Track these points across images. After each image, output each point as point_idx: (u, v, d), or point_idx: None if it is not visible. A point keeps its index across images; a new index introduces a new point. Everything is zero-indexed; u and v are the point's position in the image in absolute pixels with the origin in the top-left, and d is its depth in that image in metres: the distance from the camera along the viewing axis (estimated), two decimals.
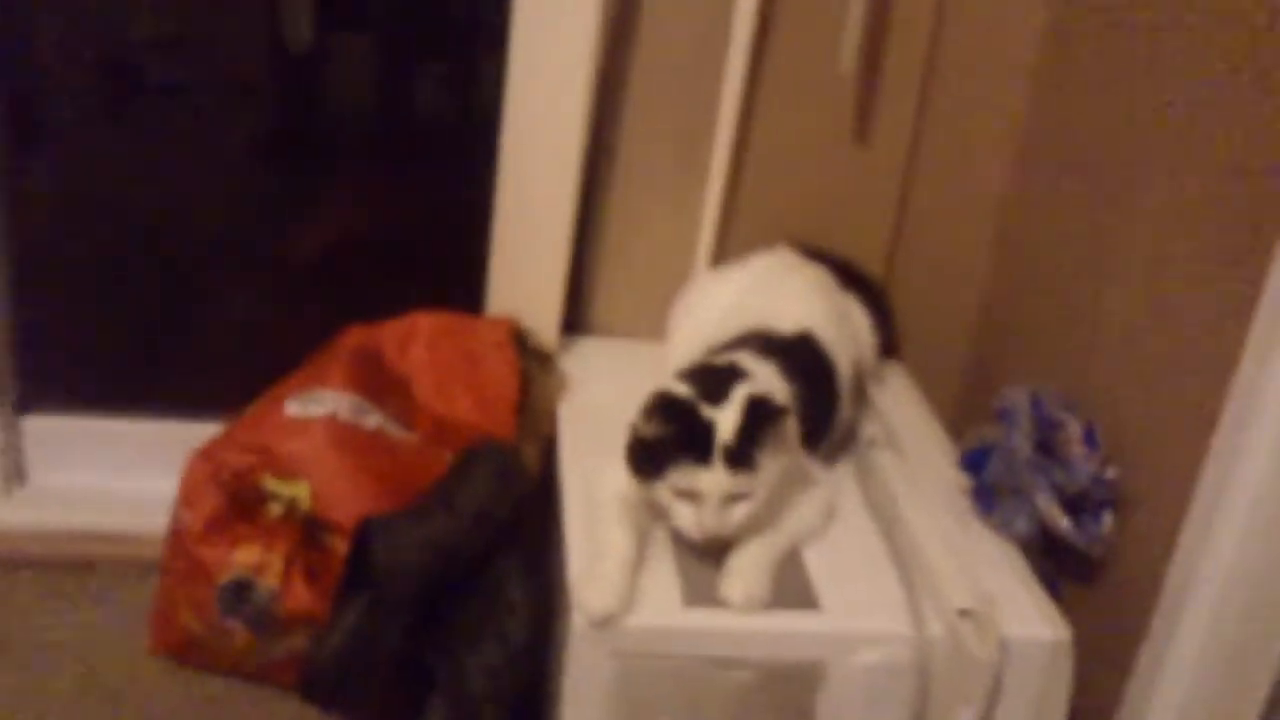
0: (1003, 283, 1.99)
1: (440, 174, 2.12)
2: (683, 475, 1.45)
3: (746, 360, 1.58)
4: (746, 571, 1.48)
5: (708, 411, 1.45)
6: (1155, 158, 1.61)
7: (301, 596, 1.70)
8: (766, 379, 1.55)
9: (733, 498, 1.46)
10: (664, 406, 1.46)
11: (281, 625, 1.71)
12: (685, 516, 1.47)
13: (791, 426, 1.50)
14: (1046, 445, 1.63)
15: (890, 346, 2.02)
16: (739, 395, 1.47)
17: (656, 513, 1.53)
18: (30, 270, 2.01)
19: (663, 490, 1.47)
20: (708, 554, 1.50)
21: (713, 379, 1.52)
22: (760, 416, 1.46)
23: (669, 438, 1.45)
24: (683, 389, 1.49)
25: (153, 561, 1.80)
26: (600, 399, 1.83)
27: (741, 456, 1.44)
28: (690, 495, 1.45)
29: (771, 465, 1.47)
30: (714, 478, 1.44)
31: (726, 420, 1.45)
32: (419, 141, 2.14)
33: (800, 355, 1.65)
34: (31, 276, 2.02)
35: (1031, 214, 1.91)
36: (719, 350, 1.65)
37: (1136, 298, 1.63)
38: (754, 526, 1.49)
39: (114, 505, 2.00)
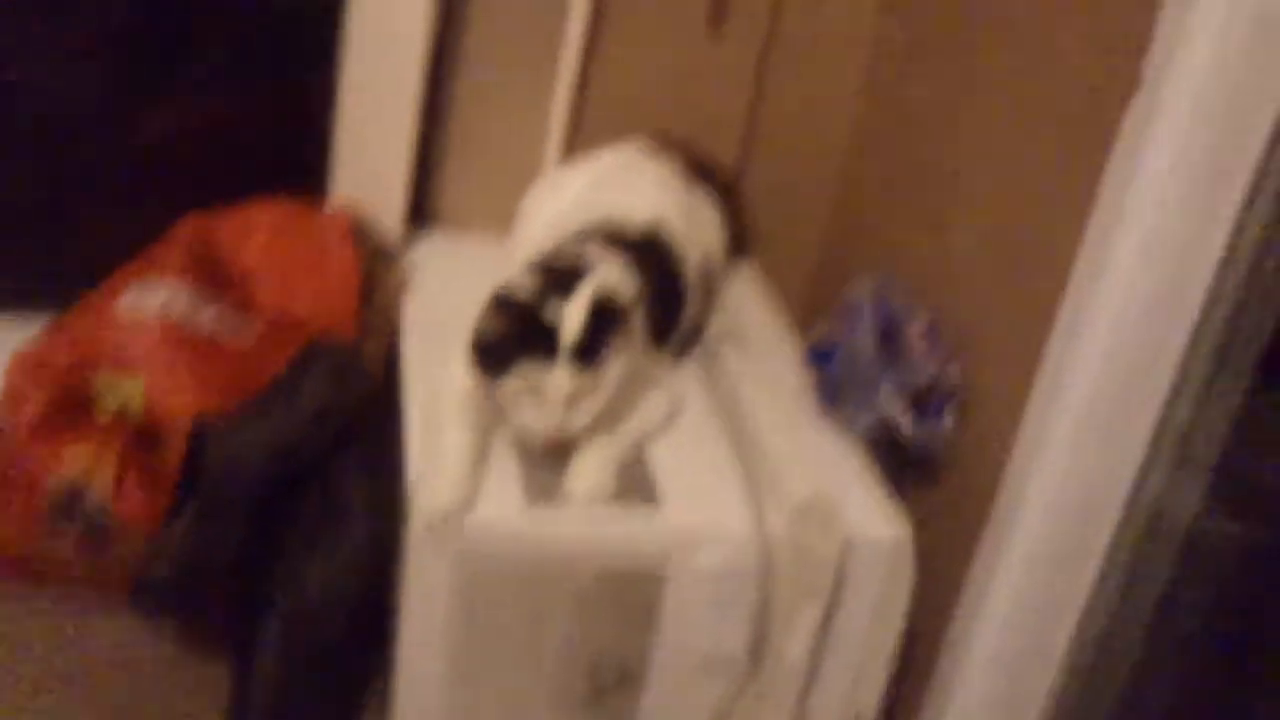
0: (855, 179, 1.99)
1: (285, 62, 2.03)
2: (527, 374, 1.41)
3: (592, 254, 1.55)
4: (590, 467, 1.46)
5: (552, 309, 1.42)
6: (1001, 54, 1.61)
7: (135, 502, 1.63)
8: (612, 273, 1.53)
9: (578, 396, 1.43)
10: (505, 305, 1.43)
11: (113, 533, 1.64)
12: (530, 415, 1.44)
13: (637, 323, 1.47)
14: (891, 341, 1.64)
15: (741, 244, 2.00)
16: (583, 292, 1.43)
17: (500, 412, 1.51)
18: None
19: (507, 389, 1.43)
20: (552, 455, 1.48)
21: (557, 274, 1.48)
22: (605, 314, 1.43)
23: (511, 336, 1.42)
24: (526, 286, 1.45)
25: None
26: (445, 295, 1.77)
27: (587, 354, 1.42)
28: (535, 394, 1.43)
29: (616, 363, 1.45)
30: (559, 377, 1.41)
31: (571, 318, 1.41)
32: (265, 29, 2.05)
33: (647, 250, 1.62)
34: None
35: (885, 110, 1.91)
36: (565, 245, 1.62)
37: (982, 196, 1.64)
38: (598, 425, 1.47)
39: None
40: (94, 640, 1.73)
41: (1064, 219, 1.43)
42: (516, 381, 1.42)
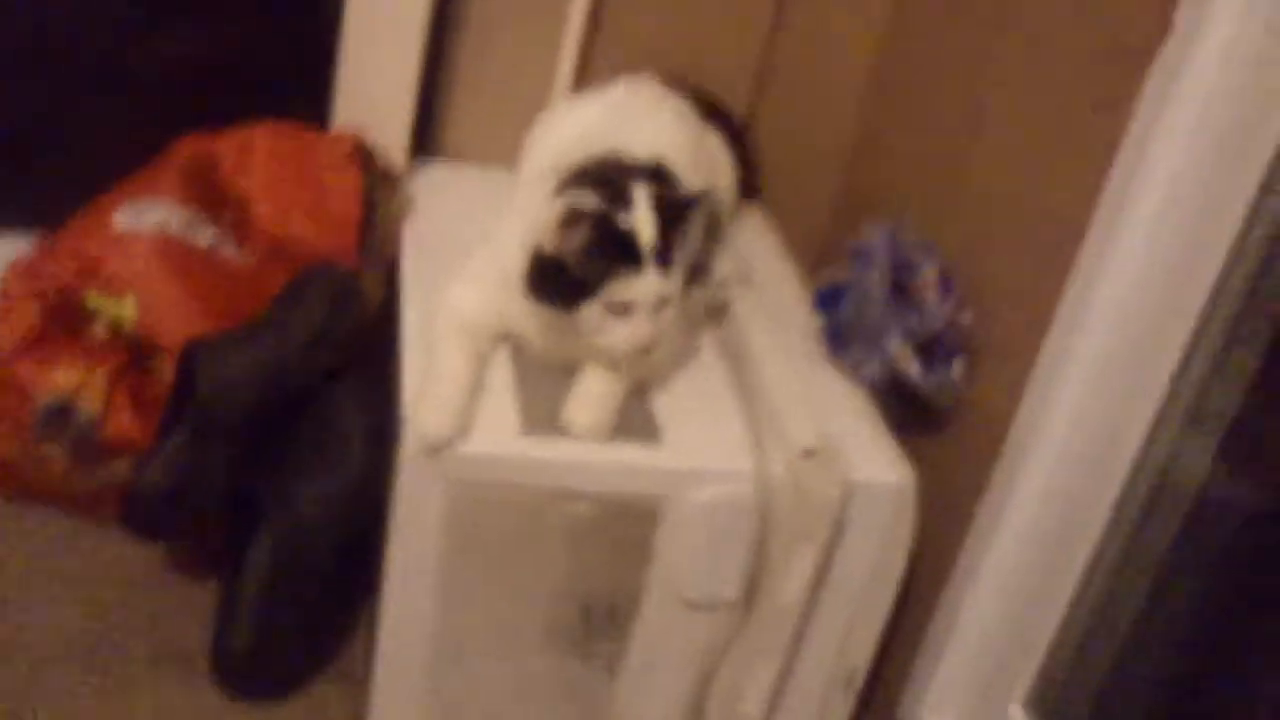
0: (870, 124, 1.96)
1: None
2: (618, 287, 1.36)
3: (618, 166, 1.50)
4: (591, 400, 1.43)
5: (623, 217, 1.37)
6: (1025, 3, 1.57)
7: (125, 421, 1.63)
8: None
9: (662, 302, 1.39)
10: (580, 218, 1.36)
11: (102, 451, 1.64)
12: (618, 331, 1.38)
13: (699, 217, 1.43)
14: (901, 288, 1.60)
15: (753, 187, 1.97)
16: (642, 195, 1.39)
17: (499, 339, 1.49)
18: None
19: (591, 310, 1.37)
20: (549, 382, 1.45)
21: (604, 185, 1.42)
22: (673, 211, 1.39)
23: (592, 250, 1.36)
24: (588, 198, 1.38)
25: None
26: (446, 224, 1.77)
27: (665, 256, 1.37)
28: (623, 308, 1.37)
29: (681, 263, 1.40)
30: (648, 283, 1.36)
31: (644, 221, 1.37)
32: None
33: (651, 181, 1.58)
34: None
35: (905, 54, 1.87)
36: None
37: (1001, 145, 1.61)
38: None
39: None
40: (83, 553, 1.71)
41: (1084, 170, 1.39)
42: (608, 297, 1.36)
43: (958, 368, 1.58)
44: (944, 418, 1.62)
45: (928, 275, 1.60)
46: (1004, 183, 1.59)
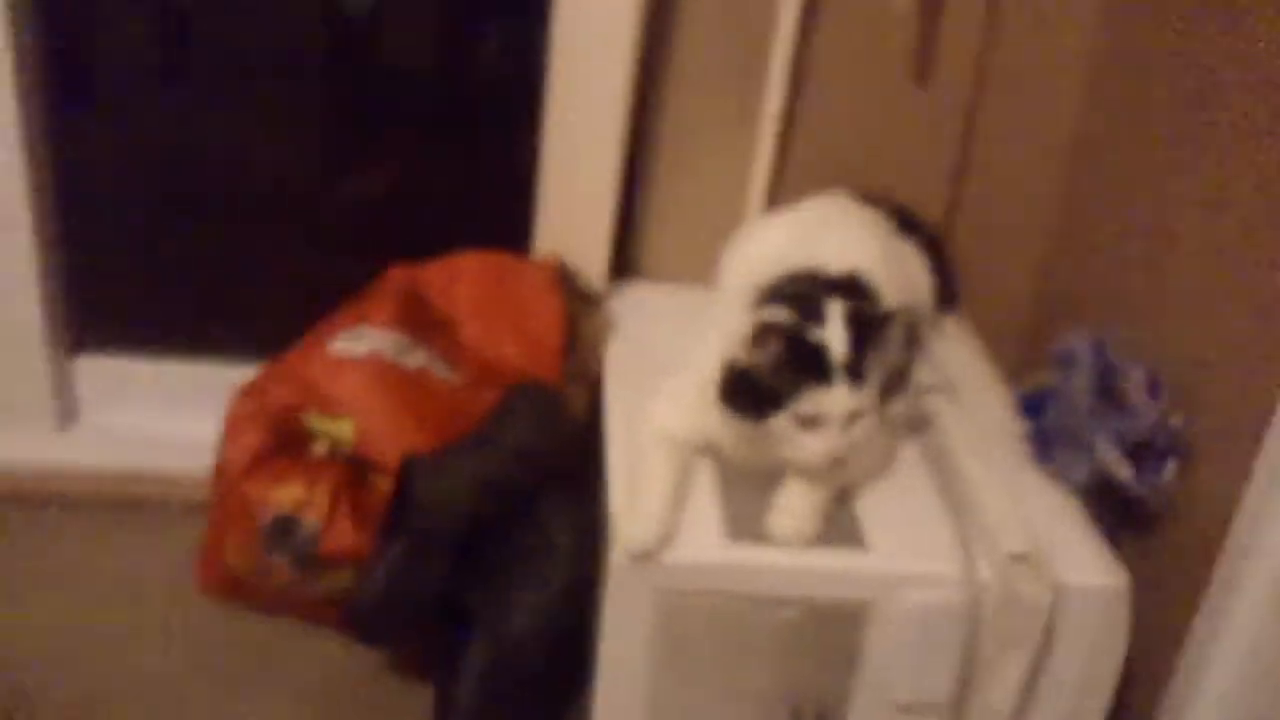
0: (1068, 229, 1.94)
1: (491, 125, 2.09)
2: (807, 400, 1.38)
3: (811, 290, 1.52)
4: (794, 507, 1.44)
5: (814, 331, 1.40)
6: (1226, 96, 1.55)
7: (344, 534, 1.68)
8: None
9: (853, 416, 1.40)
10: (772, 332, 1.39)
11: (324, 563, 1.69)
12: (808, 443, 1.40)
13: (895, 331, 1.45)
14: (1108, 392, 1.58)
15: (950, 296, 1.96)
16: (835, 310, 1.42)
17: (701, 451, 1.51)
18: (86, 215, 2.01)
19: (781, 421, 1.40)
20: (753, 491, 1.47)
21: (799, 301, 1.45)
22: (867, 326, 1.41)
23: (783, 363, 1.39)
24: (781, 313, 1.42)
25: (201, 502, 1.78)
26: (647, 341, 1.80)
27: (857, 371, 1.39)
28: (812, 421, 1.40)
29: (876, 377, 1.42)
30: (838, 397, 1.38)
31: (836, 336, 1.39)
32: (469, 94, 2.12)
33: (848, 295, 1.60)
34: (87, 221, 2.02)
35: (1100, 157, 1.85)
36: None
37: (1206, 244, 1.57)
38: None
39: (164, 446, 1.99)
40: (307, 657, 1.77)
41: None
42: (797, 410, 1.39)
43: (1170, 470, 1.54)
44: (1157, 522, 1.57)
45: (1135, 377, 1.57)
46: (1210, 283, 1.56)
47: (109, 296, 2.09)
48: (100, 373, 2.08)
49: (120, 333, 2.09)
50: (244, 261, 2.14)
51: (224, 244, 2.13)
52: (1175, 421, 1.54)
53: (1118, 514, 1.56)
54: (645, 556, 1.39)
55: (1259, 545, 1.41)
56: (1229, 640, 1.45)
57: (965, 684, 1.43)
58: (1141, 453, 1.54)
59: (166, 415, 2.04)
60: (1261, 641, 1.44)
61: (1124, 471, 1.53)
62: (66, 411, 2.07)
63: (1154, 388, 1.56)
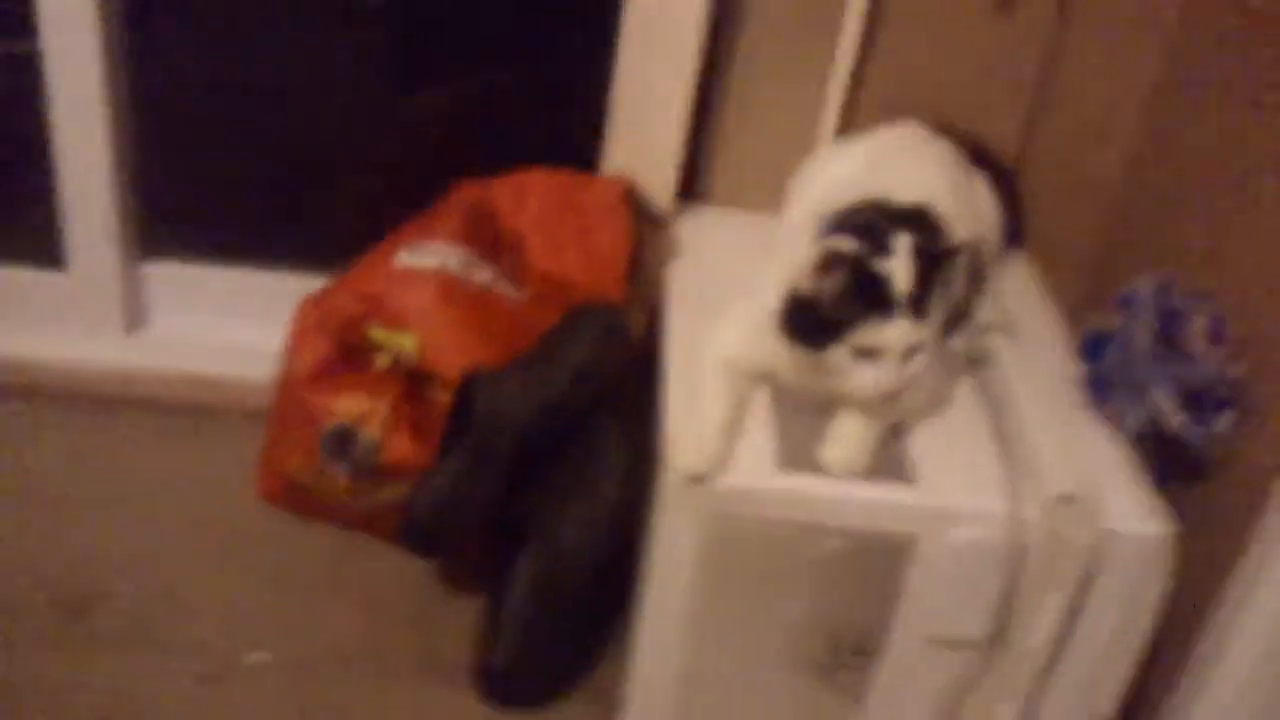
0: (1143, 174, 1.90)
1: (564, 42, 2.08)
2: (866, 332, 1.38)
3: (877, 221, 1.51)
4: (848, 438, 1.45)
5: (879, 262, 1.40)
6: None
7: (403, 447, 1.72)
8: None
9: (911, 350, 1.40)
10: (837, 261, 1.39)
11: (382, 473, 1.73)
12: (865, 375, 1.40)
13: (960, 267, 1.45)
14: (1169, 337, 1.56)
15: (1019, 233, 1.95)
16: (902, 242, 1.41)
17: (759, 379, 1.52)
18: (158, 122, 2.04)
19: (839, 352, 1.40)
20: (808, 422, 1.48)
21: (865, 232, 1.44)
22: (933, 260, 1.40)
23: (845, 293, 1.39)
24: (847, 243, 1.42)
25: (264, 409, 1.82)
26: (710, 267, 1.81)
27: (919, 305, 1.39)
28: (870, 353, 1.40)
29: (938, 313, 1.42)
30: (898, 330, 1.38)
31: (901, 268, 1.39)
32: (544, 10, 2.11)
33: (915, 227, 1.59)
34: (159, 128, 2.04)
35: (1183, 105, 1.82)
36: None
37: (1273, 199, 1.55)
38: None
39: (229, 352, 2.04)
40: (361, 567, 1.82)
41: None
42: (856, 341, 1.39)
43: (1226, 420, 1.52)
44: (1206, 473, 1.56)
45: (1198, 325, 1.55)
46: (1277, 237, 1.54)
47: (180, 203, 2.12)
48: (169, 278, 2.12)
49: (190, 239, 2.12)
50: (314, 173, 2.16)
51: (295, 155, 2.16)
52: (1236, 371, 1.52)
53: (1169, 462, 1.55)
54: (698, 480, 1.41)
55: None
56: (1266, 594, 1.45)
57: (1003, 621, 1.45)
58: (1198, 401, 1.53)
59: (233, 322, 2.08)
60: None
61: (1178, 419, 1.52)
62: (135, 316, 2.12)
63: (1217, 335, 1.54)
